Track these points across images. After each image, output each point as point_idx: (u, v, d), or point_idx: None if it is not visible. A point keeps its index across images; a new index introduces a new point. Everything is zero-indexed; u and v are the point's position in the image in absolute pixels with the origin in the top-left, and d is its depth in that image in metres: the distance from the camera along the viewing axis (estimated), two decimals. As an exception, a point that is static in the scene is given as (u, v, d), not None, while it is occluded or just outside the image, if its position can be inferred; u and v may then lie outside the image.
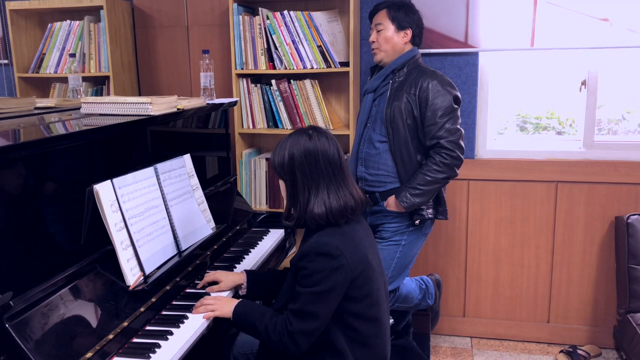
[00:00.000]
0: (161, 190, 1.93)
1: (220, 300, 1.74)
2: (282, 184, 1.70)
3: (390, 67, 2.45)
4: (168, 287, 1.81)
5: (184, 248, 1.97)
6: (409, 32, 2.44)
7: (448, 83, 2.37)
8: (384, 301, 1.72)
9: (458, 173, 2.39)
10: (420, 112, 2.35)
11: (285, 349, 1.59)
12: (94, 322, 1.51)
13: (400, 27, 2.43)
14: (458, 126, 2.36)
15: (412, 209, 2.38)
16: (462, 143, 2.36)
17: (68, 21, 3.16)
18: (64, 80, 3.19)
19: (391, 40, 2.43)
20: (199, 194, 2.18)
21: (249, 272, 1.95)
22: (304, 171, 1.63)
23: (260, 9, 2.86)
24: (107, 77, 3.13)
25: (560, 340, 3.05)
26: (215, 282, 1.91)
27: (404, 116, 2.36)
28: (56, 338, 1.39)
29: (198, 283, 1.94)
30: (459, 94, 2.39)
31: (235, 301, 1.73)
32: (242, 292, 1.92)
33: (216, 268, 2.11)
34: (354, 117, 2.78)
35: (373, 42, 2.48)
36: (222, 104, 2.55)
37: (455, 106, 2.36)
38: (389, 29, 2.43)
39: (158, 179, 1.93)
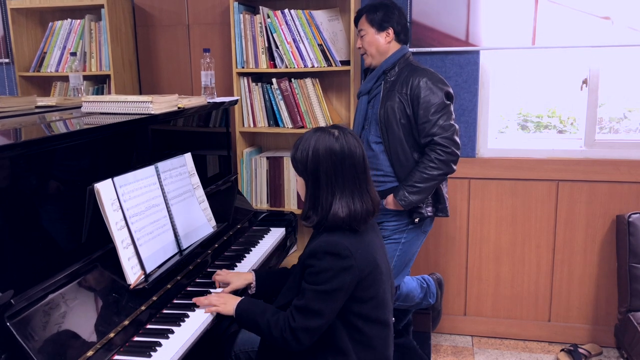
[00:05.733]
0: (162, 189, 1.93)
1: (224, 298, 1.75)
2: (300, 180, 1.67)
3: (381, 67, 2.45)
4: (169, 286, 1.81)
5: (184, 247, 1.97)
6: (391, 31, 2.44)
7: (439, 80, 2.36)
8: (389, 303, 1.72)
9: (455, 169, 2.38)
10: (413, 111, 2.35)
11: (286, 345, 1.58)
12: (95, 321, 1.51)
13: (380, 29, 2.43)
14: (452, 122, 2.35)
15: (410, 207, 2.38)
16: (457, 139, 2.35)
17: (69, 20, 3.16)
18: (65, 79, 3.19)
19: (374, 42, 2.45)
20: (200, 192, 2.19)
21: (257, 272, 1.96)
22: (328, 173, 1.59)
23: (261, 7, 2.86)
24: (108, 76, 3.13)
25: (561, 339, 3.05)
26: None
27: (397, 116, 2.36)
28: (57, 336, 1.39)
29: (199, 282, 1.94)
30: (450, 90, 2.38)
31: (238, 299, 1.74)
32: (252, 291, 1.93)
33: (217, 267, 2.11)
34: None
35: (359, 48, 2.52)
36: (222, 103, 2.55)
37: (448, 102, 2.35)
38: (369, 32, 2.45)
39: (159, 178, 1.93)
